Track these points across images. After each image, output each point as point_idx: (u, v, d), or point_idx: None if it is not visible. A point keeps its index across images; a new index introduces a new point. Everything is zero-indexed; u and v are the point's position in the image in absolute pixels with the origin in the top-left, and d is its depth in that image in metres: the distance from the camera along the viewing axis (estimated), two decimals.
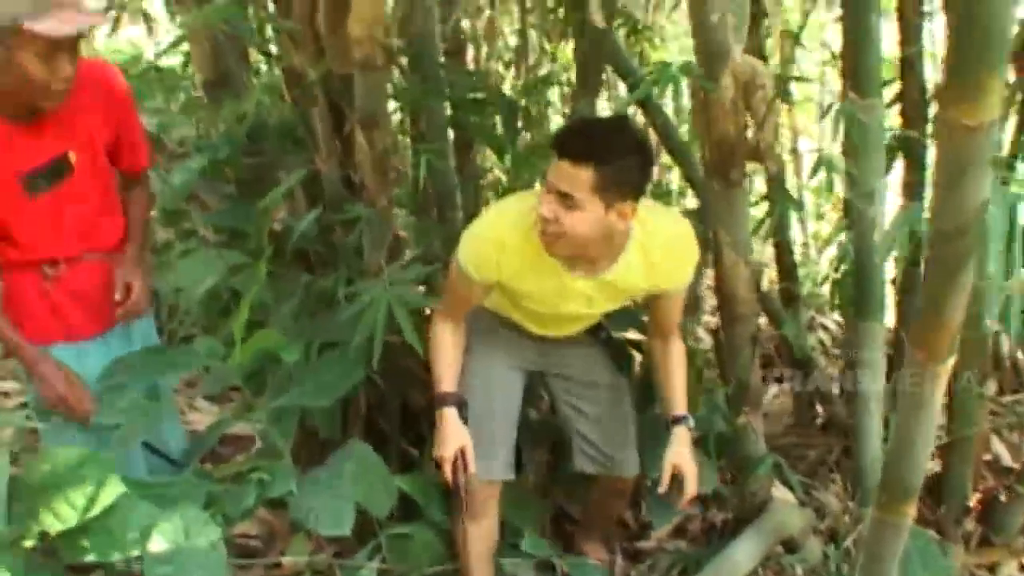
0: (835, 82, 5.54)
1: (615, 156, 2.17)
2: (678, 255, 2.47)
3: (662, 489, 2.62)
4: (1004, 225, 1.58)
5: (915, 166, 3.22)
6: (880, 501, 2.07)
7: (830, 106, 2.25)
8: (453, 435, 2.56)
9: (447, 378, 2.59)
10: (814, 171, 2.26)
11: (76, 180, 2.44)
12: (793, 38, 2.66)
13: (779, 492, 3.04)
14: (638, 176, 2.24)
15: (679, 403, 2.70)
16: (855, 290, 2.58)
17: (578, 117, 2.49)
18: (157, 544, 1.92)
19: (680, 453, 2.63)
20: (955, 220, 1.61)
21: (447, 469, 2.54)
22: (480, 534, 2.76)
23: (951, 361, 1.83)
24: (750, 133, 2.49)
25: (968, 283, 1.71)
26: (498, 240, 2.39)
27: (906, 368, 1.90)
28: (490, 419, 2.70)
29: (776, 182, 2.78)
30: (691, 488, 2.60)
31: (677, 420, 2.67)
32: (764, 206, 3.20)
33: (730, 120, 2.43)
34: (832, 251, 5.68)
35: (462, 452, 2.55)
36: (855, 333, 2.73)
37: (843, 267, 2.65)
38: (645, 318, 2.91)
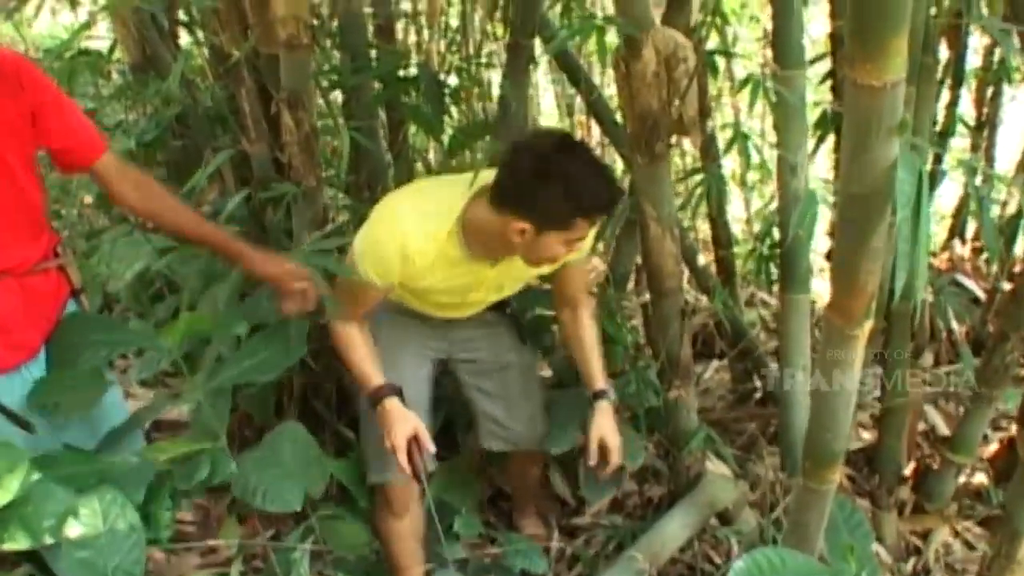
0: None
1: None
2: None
3: (591, 462, 2.62)
4: (912, 190, 1.57)
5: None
6: (804, 468, 2.07)
7: (747, 78, 2.23)
8: (401, 421, 2.43)
9: (373, 373, 2.50)
10: (728, 146, 2.25)
11: None
12: (720, 14, 2.64)
13: (713, 465, 3.03)
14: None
15: (597, 376, 2.70)
16: (781, 263, 2.58)
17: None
18: (74, 530, 1.88)
19: (603, 425, 2.63)
20: (863, 183, 1.60)
21: (402, 458, 2.41)
22: (404, 532, 2.76)
23: (868, 325, 1.83)
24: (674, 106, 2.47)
25: (880, 248, 1.71)
26: (400, 246, 2.31)
27: (823, 333, 1.90)
28: None
29: (707, 156, 2.77)
30: (615, 459, 2.62)
31: (598, 395, 2.67)
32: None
33: (652, 93, 2.40)
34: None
35: (415, 437, 2.43)
36: (781, 306, 2.73)
37: (769, 241, 2.63)
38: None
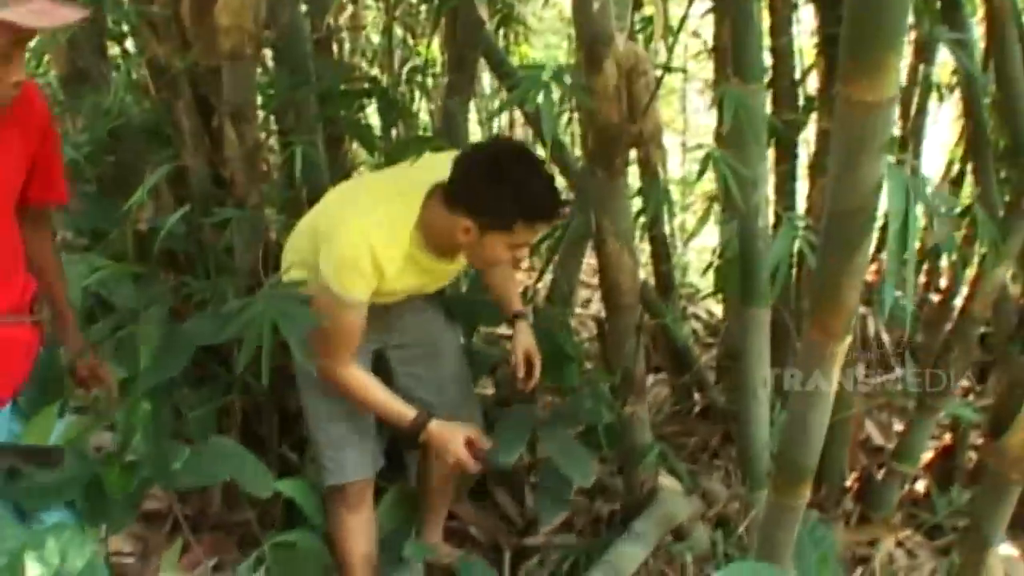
0: (703, 73, 5.62)
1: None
2: None
3: (520, 373, 2.70)
4: (900, 204, 1.56)
5: (785, 154, 3.25)
6: (776, 484, 2.05)
7: (720, 93, 2.21)
8: (451, 434, 2.53)
9: (401, 409, 2.54)
10: (702, 168, 2.23)
11: None
12: (671, 29, 2.63)
13: (666, 480, 3.01)
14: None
15: (515, 301, 2.83)
16: (740, 277, 2.56)
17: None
18: (32, 571, 1.76)
19: (525, 341, 2.74)
20: (852, 200, 1.59)
21: (471, 464, 2.53)
22: (360, 527, 2.73)
23: (847, 341, 1.82)
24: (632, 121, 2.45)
25: (865, 263, 1.70)
26: (370, 253, 2.31)
27: (801, 349, 1.88)
28: (335, 420, 2.65)
29: (651, 173, 2.75)
30: (537, 368, 2.73)
31: (517, 315, 2.79)
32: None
33: (613, 108, 2.38)
34: (700, 241, 5.77)
35: (469, 441, 2.53)
36: (739, 320, 2.72)
37: (727, 254, 2.62)
38: None
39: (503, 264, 2.65)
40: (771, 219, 2.63)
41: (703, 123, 7.07)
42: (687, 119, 7.17)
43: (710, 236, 5.36)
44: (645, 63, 2.38)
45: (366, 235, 2.31)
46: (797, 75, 3.24)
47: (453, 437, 2.52)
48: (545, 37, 6.89)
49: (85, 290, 2.64)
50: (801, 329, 2.73)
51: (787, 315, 2.78)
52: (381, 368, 2.77)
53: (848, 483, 3.45)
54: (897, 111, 4.36)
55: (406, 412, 2.53)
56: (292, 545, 2.71)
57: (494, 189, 2.26)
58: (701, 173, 2.21)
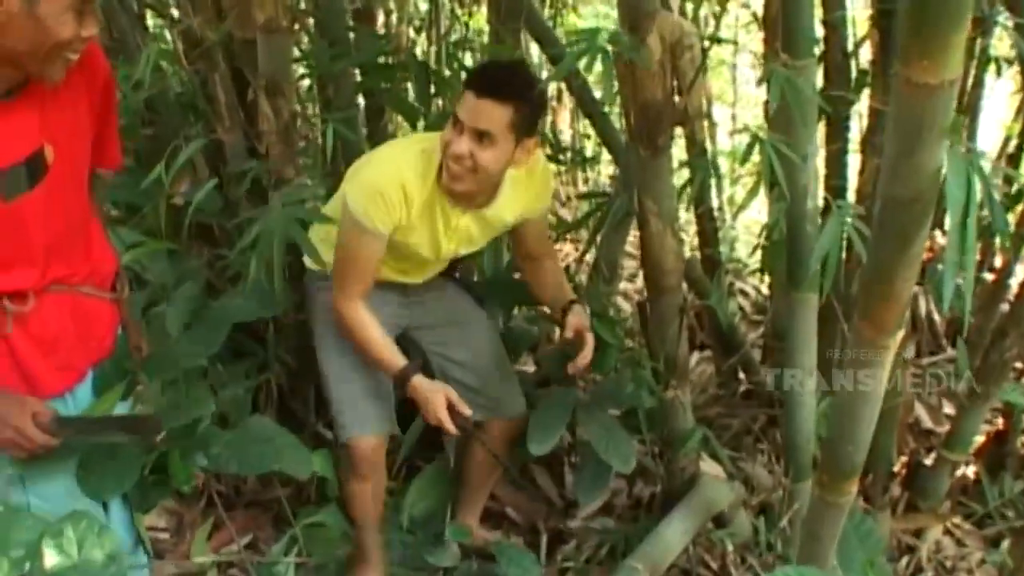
0: (754, 44, 5.46)
1: (530, 94, 2.26)
2: (541, 183, 2.58)
3: (569, 335, 2.62)
4: (962, 195, 1.46)
5: (836, 132, 3.12)
6: (821, 480, 1.96)
7: (768, 71, 2.10)
8: (432, 393, 2.47)
9: (393, 355, 2.51)
10: (747, 153, 2.12)
11: (51, 185, 1.80)
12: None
13: (707, 466, 2.93)
14: (540, 113, 2.39)
15: (567, 291, 2.75)
16: (787, 260, 2.45)
17: (488, 60, 2.44)
18: (50, 559, 1.71)
19: (579, 323, 2.62)
20: (910, 186, 1.49)
21: (450, 426, 2.46)
22: (367, 495, 2.69)
23: (900, 335, 1.72)
24: (677, 97, 2.35)
25: (920, 254, 1.59)
26: (400, 184, 2.35)
27: (850, 343, 1.78)
28: (352, 379, 2.63)
29: (698, 148, 2.65)
30: (588, 354, 2.58)
31: (572, 303, 2.68)
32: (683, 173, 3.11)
33: (657, 83, 2.27)
34: (750, 214, 5.63)
35: (450, 403, 2.47)
36: (785, 304, 2.62)
37: (775, 236, 2.51)
38: None
39: (538, 250, 2.69)
40: (821, 199, 2.53)
41: (754, 94, 6.90)
42: (737, 90, 6.97)
43: (759, 210, 5.24)
44: (691, 36, 2.27)
45: (398, 166, 2.36)
46: (849, 46, 3.08)
47: (434, 396, 2.46)
48: (594, 5, 6.73)
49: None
50: (850, 315, 2.64)
51: (835, 299, 2.66)
52: (414, 352, 2.73)
53: (896, 468, 3.34)
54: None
55: (396, 360, 2.50)
56: (322, 524, 2.68)
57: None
58: (746, 158, 2.10)
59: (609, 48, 2.06)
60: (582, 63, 2.11)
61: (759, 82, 2.11)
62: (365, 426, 2.62)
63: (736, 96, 7.09)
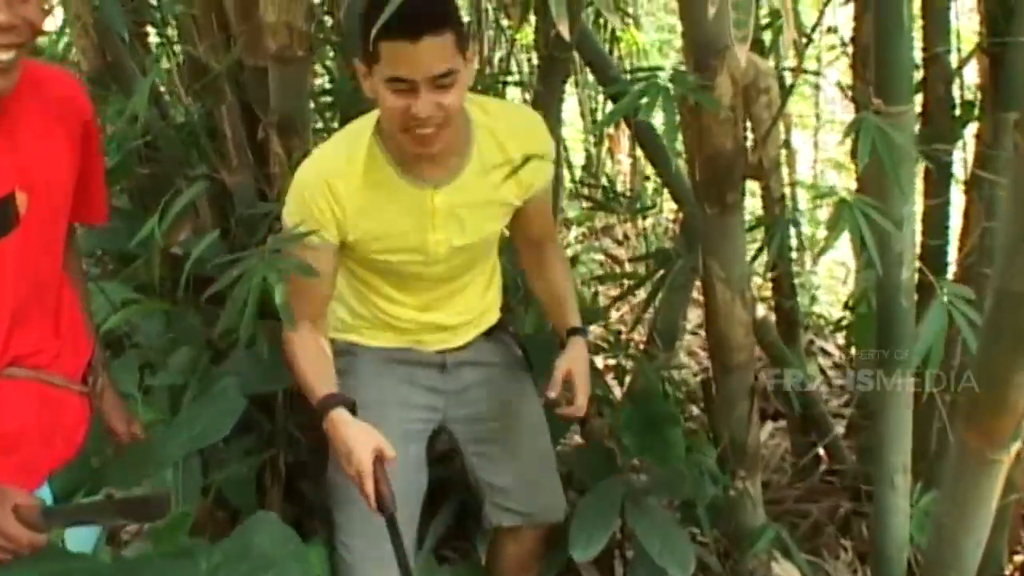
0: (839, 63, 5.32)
1: (452, 4, 2.10)
2: (532, 137, 2.32)
3: (552, 394, 2.40)
4: None
5: (937, 184, 2.96)
6: None
7: (856, 121, 1.98)
8: (357, 438, 2.13)
9: (321, 382, 2.23)
10: (834, 221, 1.99)
11: (21, 238, 1.71)
12: (803, 29, 2.41)
13: (781, 568, 2.79)
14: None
15: (571, 316, 2.55)
16: (878, 338, 2.32)
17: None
18: None
19: (575, 359, 2.45)
20: None
21: (368, 485, 2.09)
22: None
23: (1015, 448, 1.60)
24: (750, 146, 2.25)
25: None
26: (322, 179, 2.17)
27: (954, 453, 1.66)
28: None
29: (775, 204, 2.54)
30: (582, 399, 2.42)
31: (573, 332, 2.52)
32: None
33: (727, 131, 2.17)
34: (832, 255, 5.50)
35: (378, 458, 2.12)
36: (876, 387, 2.48)
37: (861, 309, 2.38)
38: None
39: (542, 234, 2.52)
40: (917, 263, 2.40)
41: (840, 117, 6.78)
42: (820, 114, 6.85)
43: (844, 252, 5.09)
44: (767, 78, 2.17)
45: (315, 162, 2.23)
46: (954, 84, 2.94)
47: (357, 441, 2.11)
48: (657, 16, 6.65)
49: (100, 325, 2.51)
50: (951, 409, 2.51)
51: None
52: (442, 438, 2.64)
53: (1007, 573, 3.18)
54: None
55: (317, 388, 2.21)
56: None
57: (358, 22, 2.11)
58: (833, 226, 1.98)
59: (671, 88, 1.96)
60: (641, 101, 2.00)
61: (845, 135, 1.98)
62: (360, 568, 2.41)
63: (819, 120, 6.97)
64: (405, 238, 2.28)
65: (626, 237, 5.97)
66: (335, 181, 2.17)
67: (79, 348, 1.95)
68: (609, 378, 3.42)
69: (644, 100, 1.96)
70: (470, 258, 2.41)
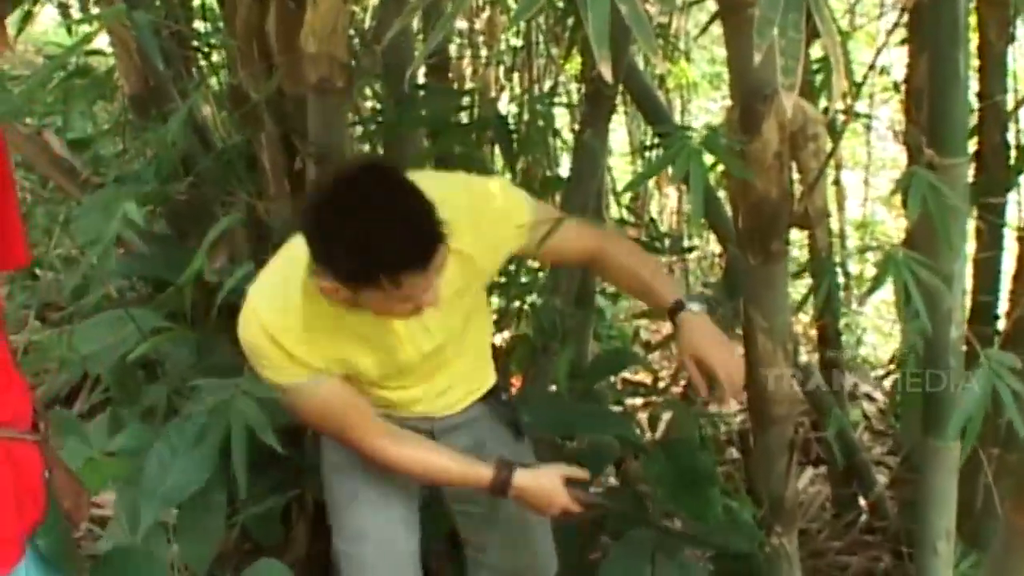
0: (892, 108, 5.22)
1: (434, 218, 1.84)
2: (492, 205, 2.14)
3: (703, 394, 2.26)
4: None
5: (989, 237, 2.85)
6: None
7: (906, 175, 1.90)
8: (545, 487, 2.21)
9: (468, 465, 2.21)
10: (881, 276, 1.90)
11: None
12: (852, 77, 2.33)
13: None
14: None
15: (664, 290, 2.32)
16: (924, 399, 2.23)
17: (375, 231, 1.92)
18: None
19: (694, 342, 2.22)
20: None
21: (575, 508, 2.24)
22: None
23: None
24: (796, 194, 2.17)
25: None
26: (267, 337, 2.01)
27: (1000, 533, 1.58)
28: (368, 535, 2.34)
29: (821, 254, 2.46)
30: (726, 377, 2.21)
31: (675, 308, 2.27)
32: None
33: (772, 179, 2.10)
34: (879, 296, 5.38)
35: (567, 480, 2.23)
36: (921, 451, 2.39)
37: (907, 368, 2.29)
38: None
39: (591, 246, 2.33)
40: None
41: (890, 154, 6.68)
42: (871, 151, 6.75)
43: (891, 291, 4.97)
44: (816, 125, 2.09)
45: (256, 313, 2.03)
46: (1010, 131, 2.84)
47: (553, 486, 2.20)
48: (709, 50, 6.57)
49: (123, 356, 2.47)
50: (999, 463, 2.41)
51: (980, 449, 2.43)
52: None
53: None
54: None
55: (481, 472, 2.19)
56: None
57: (328, 246, 1.85)
58: (877, 285, 1.90)
59: (704, 155, 1.88)
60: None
61: (892, 192, 1.91)
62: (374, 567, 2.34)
63: (870, 157, 6.86)
64: (373, 355, 2.14)
65: (671, 270, 5.89)
66: (277, 335, 2.01)
67: (26, 393, 1.80)
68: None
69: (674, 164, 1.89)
70: (447, 346, 2.26)
